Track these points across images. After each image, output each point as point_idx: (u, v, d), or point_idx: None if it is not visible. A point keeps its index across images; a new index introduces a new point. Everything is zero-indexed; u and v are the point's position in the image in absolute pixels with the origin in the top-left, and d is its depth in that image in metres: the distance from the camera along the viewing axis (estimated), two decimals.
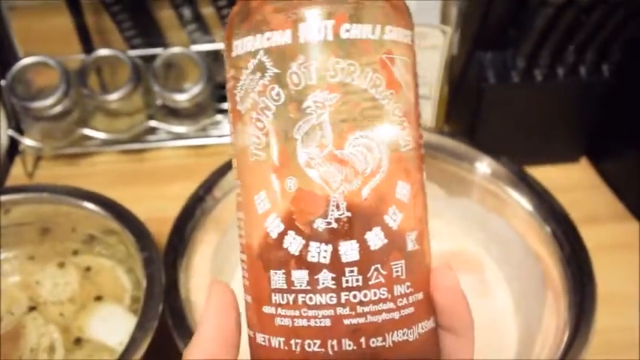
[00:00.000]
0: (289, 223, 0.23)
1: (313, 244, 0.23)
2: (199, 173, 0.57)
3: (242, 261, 0.26)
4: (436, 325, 0.25)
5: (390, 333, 0.23)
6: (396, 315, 0.23)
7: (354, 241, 0.23)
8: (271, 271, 0.24)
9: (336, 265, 0.23)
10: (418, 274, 0.24)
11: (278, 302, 0.24)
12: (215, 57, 0.76)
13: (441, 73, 0.63)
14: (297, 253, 0.23)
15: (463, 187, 0.56)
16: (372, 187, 0.23)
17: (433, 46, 0.61)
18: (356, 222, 0.23)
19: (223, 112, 0.76)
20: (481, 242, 0.55)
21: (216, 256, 0.51)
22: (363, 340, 0.23)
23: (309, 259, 0.23)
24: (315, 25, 0.23)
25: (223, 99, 0.78)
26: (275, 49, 0.23)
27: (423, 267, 0.25)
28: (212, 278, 0.26)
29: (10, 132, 0.71)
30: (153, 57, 0.72)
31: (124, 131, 0.73)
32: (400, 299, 0.23)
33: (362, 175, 0.23)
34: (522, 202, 0.51)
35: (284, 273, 0.24)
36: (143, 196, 0.70)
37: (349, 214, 0.23)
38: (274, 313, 0.24)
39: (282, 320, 0.24)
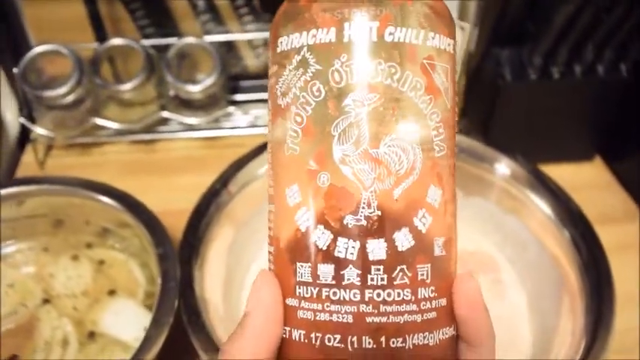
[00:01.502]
0: (319, 218, 0.24)
1: (341, 240, 0.23)
2: (211, 165, 0.57)
3: (269, 253, 0.26)
4: (456, 334, 0.25)
5: (411, 335, 0.23)
6: (418, 318, 0.23)
7: (382, 240, 0.23)
8: (297, 263, 0.24)
9: (363, 263, 0.23)
10: (443, 280, 0.25)
11: (302, 295, 0.24)
12: (229, 48, 0.76)
13: (459, 70, 0.62)
14: (324, 248, 0.24)
15: (480, 187, 0.56)
16: (404, 189, 0.24)
17: None
18: (386, 221, 0.23)
19: (236, 103, 0.76)
20: (497, 243, 0.55)
21: (231, 252, 0.51)
22: (383, 339, 0.23)
23: (337, 254, 0.23)
24: (360, 25, 0.23)
25: (236, 91, 0.77)
26: (319, 47, 0.24)
27: (448, 274, 0.25)
28: (261, 270, 0.26)
29: (22, 120, 0.71)
30: (166, 47, 0.71)
31: (136, 121, 0.72)
32: (423, 302, 0.24)
33: (395, 175, 0.23)
34: (541, 205, 0.51)
35: (310, 266, 0.24)
36: (154, 186, 0.70)
37: (379, 212, 0.23)
38: (297, 305, 0.24)
39: (304, 313, 0.24)
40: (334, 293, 0.23)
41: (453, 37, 0.26)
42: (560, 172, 0.60)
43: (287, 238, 0.25)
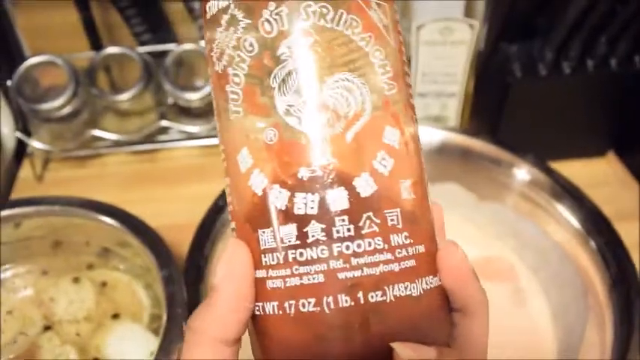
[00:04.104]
0: (273, 177, 0.22)
1: (299, 195, 0.22)
2: (212, 173, 0.55)
3: (232, 230, 0.24)
4: (443, 289, 0.23)
5: (391, 287, 0.22)
6: (395, 267, 0.22)
7: (341, 189, 0.22)
8: (259, 230, 0.23)
9: (325, 215, 0.22)
10: (417, 225, 0.23)
11: (268, 263, 0.22)
12: None
13: (468, 69, 0.60)
14: (283, 207, 0.22)
15: (495, 192, 0.54)
16: (357, 131, 0.22)
17: (460, 41, 0.58)
18: (342, 168, 0.22)
19: None
20: (514, 249, 0.53)
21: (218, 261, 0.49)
22: (361, 294, 0.21)
23: (296, 211, 0.22)
24: None
25: None
26: (246, 2, 0.23)
27: (422, 217, 0.23)
28: (232, 239, 0.24)
29: (18, 134, 0.69)
30: (163, 53, 0.69)
31: (135, 131, 0.70)
32: (398, 250, 0.22)
33: (344, 118, 0.22)
34: (564, 212, 0.49)
35: (272, 230, 0.22)
36: (155, 198, 0.68)
37: (334, 160, 0.22)
38: (265, 276, 0.22)
39: (273, 282, 0.22)
40: (301, 254, 0.22)
41: None
42: (573, 169, 0.58)
43: (245, 207, 0.23)
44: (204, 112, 0.71)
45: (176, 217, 0.54)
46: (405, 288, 0.22)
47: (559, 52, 0.62)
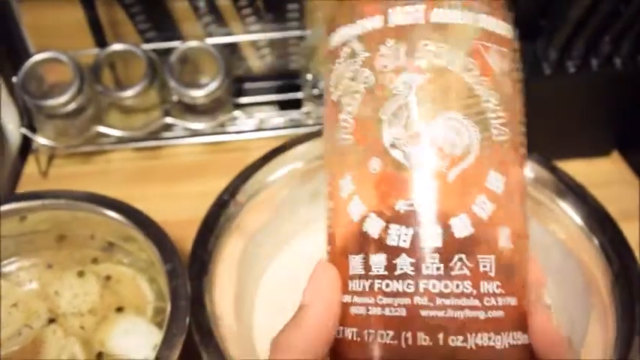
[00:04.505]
0: (371, 206, 0.23)
1: (394, 227, 0.22)
2: (217, 170, 0.55)
3: (327, 253, 0.25)
4: (530, 349, 0.23)
5: (473, 334, 0.21)
6: (480, 314, 0.21)
7: (437, 226, 0.22)
8: (350, 256, 0.23)
9: (417, 250, 0.22)
10: (512, 276, 0.23)
11: (354, 289, 0.23)
12: (232, 50, 0.74)
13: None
14: (376, 237, 0.22)
15: None
16: (460, 172, 0.22)
17: None
18: (440, 206, 0.22)
19: (240, 107, 0.74)
20: None
21: (241, 264, 0.49)
22: (441, 336, 0.21)
23: (389, 242, 0.22)
24: (404, 9, 0.23)
25: (241, 94, 0.75)
26: (366, 35, 0.24)
27: (518, 271, 0.23)
28: (320, 260, 0.24)
29: (23, 130, 0.69)
30: (167, 50, 0.69)
31: (140, 128, 0.71)
32: (487, 298, 0.22)
33: (449, 157, 0.22)
34: (567, 209, 0.49)
35: (363, 258, 0.23)
36: (160, 194, 0.68)
37: (433, 197, 0.22)
38: (350, 301, 0.23)
39: (357, 309, 0.23)
40: (387, 285, 0.22)
41: (508, 22, 0.25)
42: (577, 168, 0.58)
43: (341, 232, 0.24)
44: (208, 110, 0.71)
45: (179, 213, 0.54)
46: (489, 339, 0.21)
47: (563, 52, 0.62)
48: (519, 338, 0.22)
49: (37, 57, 0.66)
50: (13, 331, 0.46)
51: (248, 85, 0.77)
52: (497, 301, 0.22)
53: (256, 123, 0.74)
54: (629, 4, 0.56)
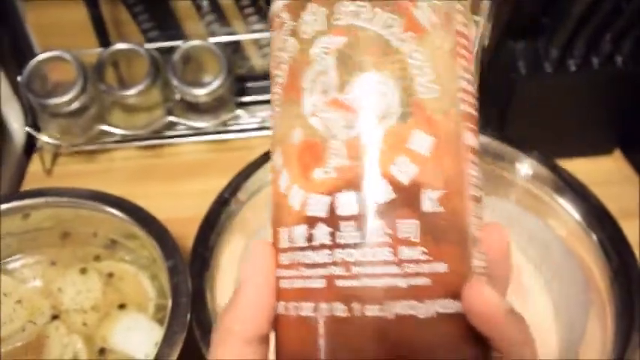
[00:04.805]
0: (294, 177, 0.22)
1: (312, 197, 0.21)
2: (219, 169, 0.55)
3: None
4: (468, 322, 0.20)
5: (392, 303, 0.20)
6: (401, 282, 0.20)
7: (352, 193, 0.21)
8: (278, 229, 0.23)
9: (333, 219, 0.21)
10: (441, 241, 0.21)
11: (283, 263, 0.22)
12: (235, 49, 0.74)
13: (472, 67, 0.60)
14: (298, 208, 0.22)
15: (498, 187, 0.54)
16: (377, 134, 0.21)
17: None
18: (356, 172, 0.21)
19: (243, 105, 0.74)
20: (517, 243, 0.53)
21: (242, 262, 0.49)
22: (357, 306, 0.20)
23: (308, 212, 0.21)
24: None
25: (243, 92, 0.76)
26: (291, 4, 0.23)
27: (452, 236, 0.21)
28: (256, 240, 0.24)
29: (28, 129, 0.70)
30: (170, 49, 0.69)
31: (142, 127, 0.71)
32: (408, 264, 0.20)
33: (367, 120, 0.21)
34: (567, 206, 0.49)
35: (287, 230, 0.22)
36: (162, 192, 0.68)
37: (348, 162, 0.21)
38: (280, 275, 0.22)
39: (284, 282, 0.22)
40: (306, 256, 0.21)
41: None
42: (579, 167, 0.57)
43: (273, 207, 0.23)
44: (211, 108, 0.71)
45: (182, 211, 0.54)
46: (411, 307, 0.20)
47: (564, 50, 0.62)
48: (450, 307, 0.20)
49: (42, 56, 0.67)
50: (17, 327, 0.47)
51: (250, 84, 0.77)
52: (421, 268, 0.20)
53: (259, 122, 0.74)
54: (630, 2, 0.56)
